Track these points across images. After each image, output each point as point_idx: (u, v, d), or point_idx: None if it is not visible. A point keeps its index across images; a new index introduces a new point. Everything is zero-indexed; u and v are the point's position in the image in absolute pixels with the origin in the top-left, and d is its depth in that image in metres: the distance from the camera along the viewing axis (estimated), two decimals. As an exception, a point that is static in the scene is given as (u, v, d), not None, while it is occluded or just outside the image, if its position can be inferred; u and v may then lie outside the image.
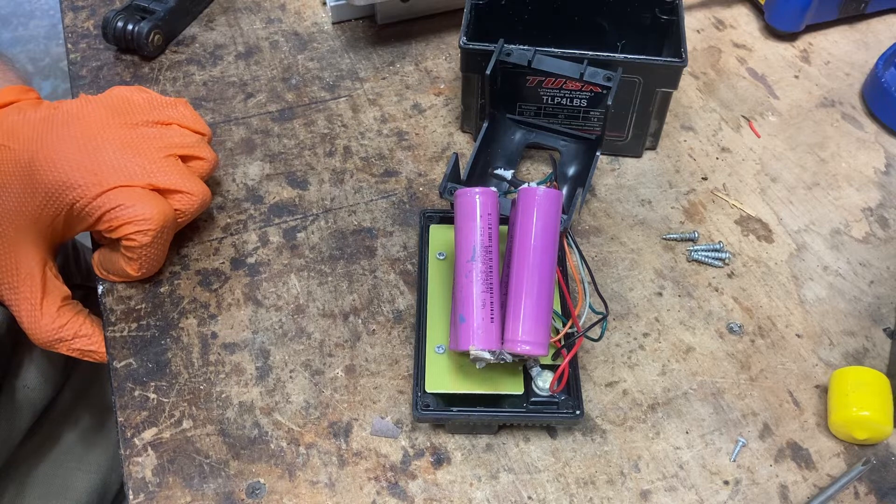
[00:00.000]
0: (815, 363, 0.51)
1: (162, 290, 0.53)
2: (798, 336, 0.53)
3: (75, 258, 0.73)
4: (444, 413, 0.45)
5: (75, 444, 0.69)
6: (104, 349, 0.51)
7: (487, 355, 0.43)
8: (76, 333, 0.51)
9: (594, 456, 0.47)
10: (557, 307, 0.49)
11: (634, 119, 0.59)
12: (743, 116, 0.66)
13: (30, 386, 0.64)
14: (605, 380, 0.50)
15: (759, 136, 0.64)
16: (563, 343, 0.46)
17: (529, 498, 0.45)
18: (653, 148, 0.62)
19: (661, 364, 0.51)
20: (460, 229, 0.45)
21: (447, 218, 0.53)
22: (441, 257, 0.51)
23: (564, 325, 0.46)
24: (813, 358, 0.52)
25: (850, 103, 0.67)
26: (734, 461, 0.47)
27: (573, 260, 0.48)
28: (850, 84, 0.69)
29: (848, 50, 0.71)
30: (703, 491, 0.46)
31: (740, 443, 0.48)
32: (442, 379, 0.46)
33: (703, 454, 0.47)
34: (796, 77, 0.69)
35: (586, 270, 0.48)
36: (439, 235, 0.53)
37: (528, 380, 0.46)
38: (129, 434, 0.47)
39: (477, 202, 0.45)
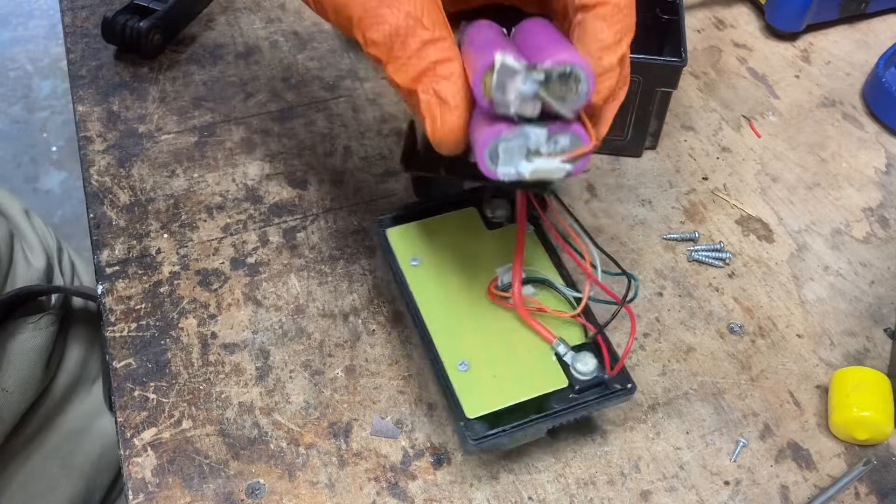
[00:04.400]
0: (816, 363, 0.51)
1: (161, 290, 0.53)
2: (799, 336, 0.53)
3: (59, 258, 0.73)
4: (498, 435, 0.40)
5: (59, 447, 0.68)
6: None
7: (517, 65, 0.32)
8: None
9: (594, 456, 0.47)
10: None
11: (634, 119, 0.59)
12: (743, 116, 0.65)
13: (9, 389, 0.63)
14: (605, 380, 0.50)
15: (759, 136, 0.64)
16: (583, 316, 0.43)
17: (530, 498, 0.45)
18: (653, 148, 0.62)
19: (662, 364, 0.51)
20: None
21: (406, 215, 0.47)
22: (416, 263, 0.45)
23: (579, 300, 0.43)
24: (813, 358, 0.52)
25: (851, 103, 0.67)
26: (735, 461, 0.47)
27: (568, 224, 0.43)
28: (850, 84, 0.68)
29: (848, 50, 0.71)
30: (703, 491, 0.46)
31: (741, 443, 0.48)
32: (480, 399, 0.41)
33: (703, 454, 0.47)
34: (797, 77, 0.69)
35: (585, 235, 0.43)
36: (404, 237, 0.47)
37: (565, 369, 0.43)
38: (128, 434, 0.47)
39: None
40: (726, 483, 0.46)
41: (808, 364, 0.51)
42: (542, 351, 0.43)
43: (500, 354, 0.43)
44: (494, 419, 0.41)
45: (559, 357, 0.43)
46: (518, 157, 0.34)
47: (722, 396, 0.50)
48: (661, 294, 0.54)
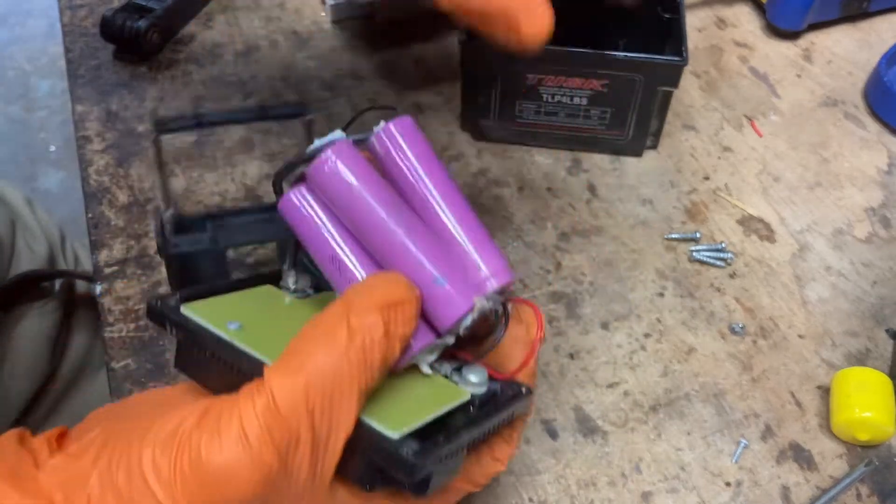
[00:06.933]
0: (818, 364, 0.51)
1: (161, 290, 0.53)
2: (800, 337, 0.52)
3: (62, 247, 0.72)
4: (442, 444, 0.32)
5: None
6: None
7: (490, 305, 0.35)
8: None
9: (595, 457, 0.47)
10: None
11: (635, 118, 0.59)
12: (745, 116, 0.65)
13: (16, 374, 0.63)
14: (606, 381, 0.50)
15: (761, 136, 0.64)
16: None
17: (530, 500, 0.45)
18: (654, 147, 0.62)
19: (663, 365, 0.51)
20: (358, 199, 0.35)
21: (198, 294, 0.39)
22: (236, 326, 0.36)
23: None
24: (815, 359, 0.51)
25: (853, 102, 0.67)
26: (736, 462, 0.47)
27: None
28: (852, 83, 0.68)
29: (850, 49, 0.71)
30: (704, 492, 0.46)
31: (742, 444, 0.47)
32: (392, 420, 0.33)
33: (704, 455, 0.47)
34: (798, 76, 0.69)
35: None
36: (207, 310, 0.38)
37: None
38: (127, 435, 0.47)
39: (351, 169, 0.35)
40: (728, 484, 0.46)
41: (809, 365, 0.51)
42: (420, 374, 0.37)
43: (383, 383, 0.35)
44: (421, 438, 0.32)
45: (446, 376, 0.38)
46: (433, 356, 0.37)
47: (723, 397, 0.49)
48: (662, 294, 0.54)
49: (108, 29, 0.66)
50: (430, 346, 0.36)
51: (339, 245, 0.36)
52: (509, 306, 0.37)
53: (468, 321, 0.35)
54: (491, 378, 0.38)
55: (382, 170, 0.37)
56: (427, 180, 0.37)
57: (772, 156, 0.63)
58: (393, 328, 0.32)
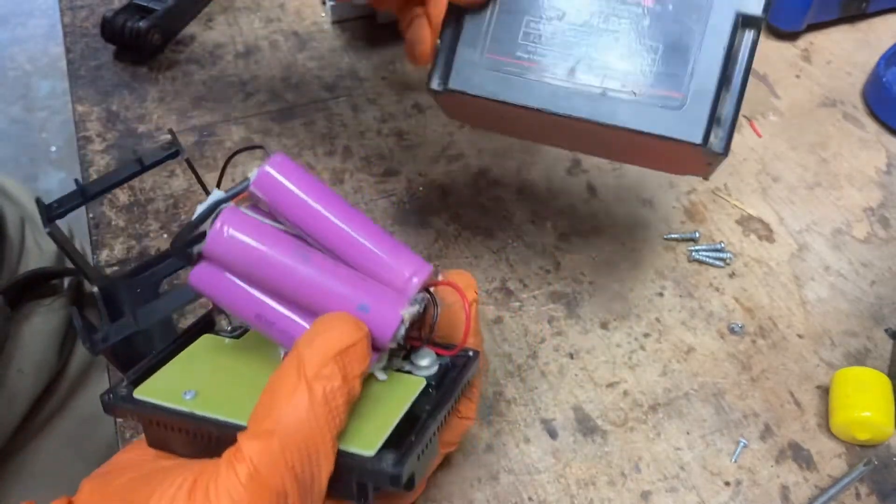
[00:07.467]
0: (817, 364, 0.51)
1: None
2: (799, 336, 0.53)
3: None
4: (413, 449, 0.34)
5: (74, 433, 0.68)
6: None
7: (416, 308, 0.37)
8: None
9: (595, 457, 0.47)
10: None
11: (698, 63, 0.39)
12: (744, 116, 0.65)
13: (24, 371, 0.64)
14: (605, 380, 0.50)
15: (760, 136, 0.64)
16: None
17: (530, 499, 0.45)
18: (724, 152, 0.40)
19: (662, 364, 0.51)
20: (262, 257, 0.36)
21: (145, 373, 0.39)
22: (191, 396, 0.37)
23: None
24: (814, 358, 0.52)
25: (852, 103, 0.67)
26: (735, 462, 0.47)
27: None
28: (851, 83, 0.68)
29: (849, 49, 0.71)
30: (704, 492, 0.46)
31: (741, 443, 0.48)
32: (362, 437, 0.35)
33: (704, 455, 0.47)
34: (798, 76, 0.69)
35: None
36: (158, 386, 0.38)
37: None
38: (128, 434, 0.47)
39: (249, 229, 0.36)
40: (727, 483, 0.46)
41: (808, 364, 0.51)
42: (375, 378, 0.39)
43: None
44: (394, 445, 0.34)
45: (398, 369, 0.39)
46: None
47: (722, 397, 0.50)
48: (661, 294, 0.54)
49: (109, 30, 0.66)
50: (376, 361, 0.37)
51: (258, 303, 0.36)
52: (434, 290, 0.38)
53: (402, 331, 0.36)
54: (440, 355, 0.39)
55: (272, 213, 0.37)
56: (322, 210, 0.37)
57: (771, 156, 0.63)
58: (349, 370, 0.33)
